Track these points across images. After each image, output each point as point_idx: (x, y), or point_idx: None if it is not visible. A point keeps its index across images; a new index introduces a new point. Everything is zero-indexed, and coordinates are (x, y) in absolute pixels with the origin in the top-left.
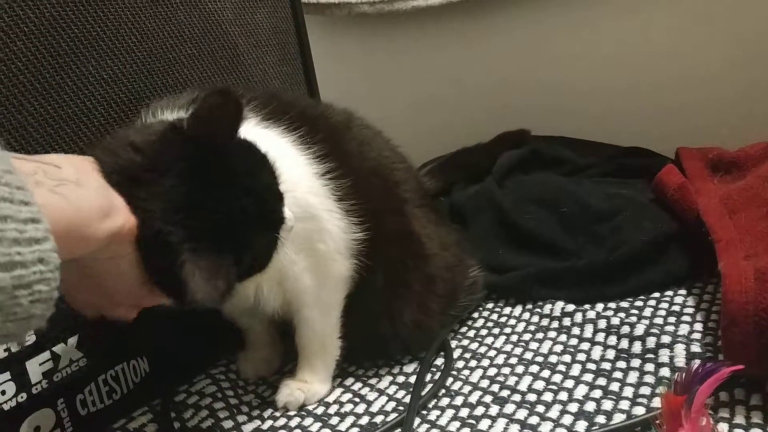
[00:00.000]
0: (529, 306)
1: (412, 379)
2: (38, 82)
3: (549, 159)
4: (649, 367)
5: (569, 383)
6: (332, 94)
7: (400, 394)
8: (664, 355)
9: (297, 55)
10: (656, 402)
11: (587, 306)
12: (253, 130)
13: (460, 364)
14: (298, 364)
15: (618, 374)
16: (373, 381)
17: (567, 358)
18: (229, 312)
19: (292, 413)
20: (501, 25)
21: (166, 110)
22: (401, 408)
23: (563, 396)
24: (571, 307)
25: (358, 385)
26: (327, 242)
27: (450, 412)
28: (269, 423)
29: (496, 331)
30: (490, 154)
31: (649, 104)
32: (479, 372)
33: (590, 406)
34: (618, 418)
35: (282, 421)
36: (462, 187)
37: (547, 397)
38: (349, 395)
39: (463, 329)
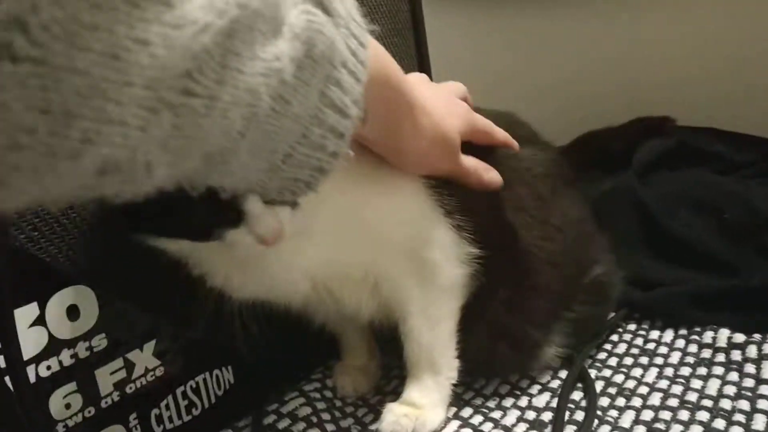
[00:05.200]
0: (683, 331)
1: (545, 416)
2: None
3: (699, 153)
4: None
5: None
6: (443, 70)
7: None
8: None
9: (409, 27)
10: None
11: (759, 336)
12: None
13: (605, 401)
14: (406, 383)
15: None
16: (495, 415)
17: (744, 404)
18: (322, 317)
19: None
20: None
21: None
22: None
23: None
24: (740, 338)
25: (479, 418)
26: (434, 251)
27: None
28: None
29: (643, 360)
30: (624, 140)
31: None
32: (630, 414)
33: None
34: None
35: None
36: (591, 178)
37: None
38: (468, 431)
39: (602, 355)
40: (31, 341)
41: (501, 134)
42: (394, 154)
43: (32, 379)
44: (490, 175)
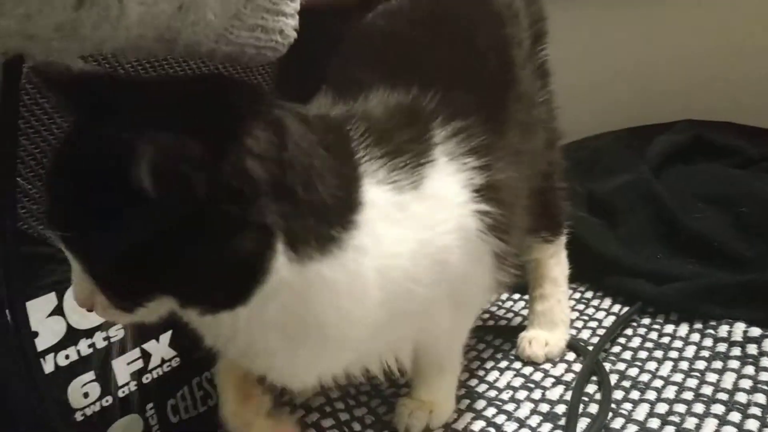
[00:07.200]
0: (698, 326)
1: (558, 409)
2: None
3: (715, 147)
4: None
5: None
6: None
7: (546, 428)
8: None
9: None
10: None
11: None
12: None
13: (619, 394)
14: (413, 381)
15: None
16: (509, 407)
17: (761, 398)
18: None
19: None
20: None
21: None
22: None
23: None
24: (756, 331)
25: (492, 411)
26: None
27: None
28: None
29: (658, 354)
30: None
31: None
32: (644, 407)
33: None
34: None
35: None
36: (604, 172)
37: None
38: (481, 423)
39: (616, 349)
40: (49, 331)
41: None
42: None
43: (51, 368)
44: None
